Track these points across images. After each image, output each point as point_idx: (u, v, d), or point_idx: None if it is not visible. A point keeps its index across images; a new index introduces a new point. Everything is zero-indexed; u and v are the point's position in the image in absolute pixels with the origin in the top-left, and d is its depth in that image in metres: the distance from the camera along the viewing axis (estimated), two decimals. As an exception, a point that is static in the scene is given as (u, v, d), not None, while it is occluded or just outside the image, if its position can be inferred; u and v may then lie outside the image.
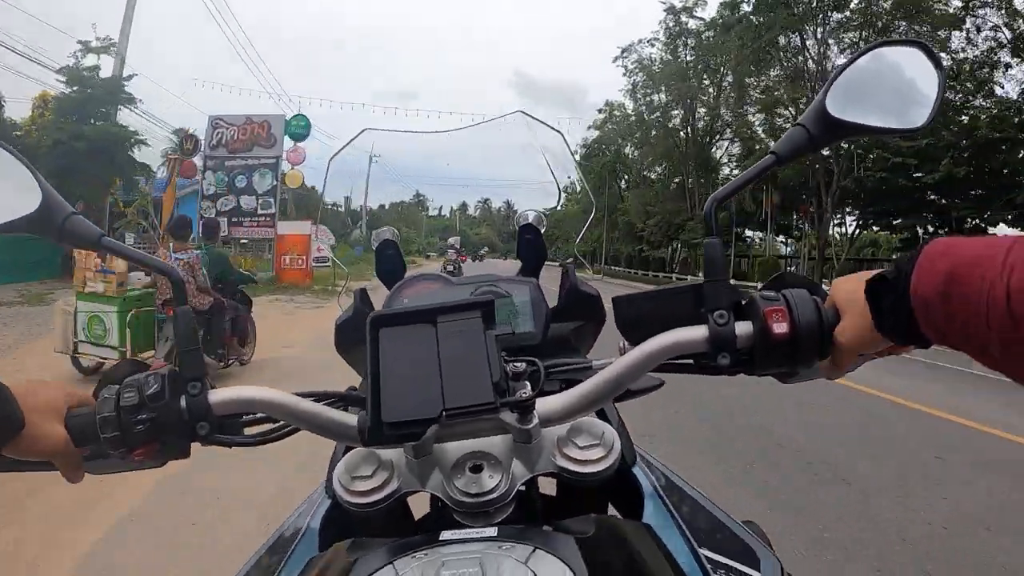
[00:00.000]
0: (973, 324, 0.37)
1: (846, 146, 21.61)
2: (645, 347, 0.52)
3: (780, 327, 0.49)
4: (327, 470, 0.64)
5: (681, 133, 34.84)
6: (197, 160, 17.49)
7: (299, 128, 18.27)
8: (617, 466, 0.54)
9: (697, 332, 0.52)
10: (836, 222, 26.35)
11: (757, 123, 30.40)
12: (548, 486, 0.61)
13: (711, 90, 32.77)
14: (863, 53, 0.56)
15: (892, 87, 0.56)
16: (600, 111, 45.87)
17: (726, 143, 34.22)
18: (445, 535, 0.46)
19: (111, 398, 0.50)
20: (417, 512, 0.66)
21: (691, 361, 0.54)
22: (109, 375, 0.55)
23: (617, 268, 44.04)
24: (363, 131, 0.86)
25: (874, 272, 0.46)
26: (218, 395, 0.52)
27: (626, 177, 45.69)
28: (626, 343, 0.56)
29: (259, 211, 17.40)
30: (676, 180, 35.91)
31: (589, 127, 47.00)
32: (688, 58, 33.16)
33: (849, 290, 0.48)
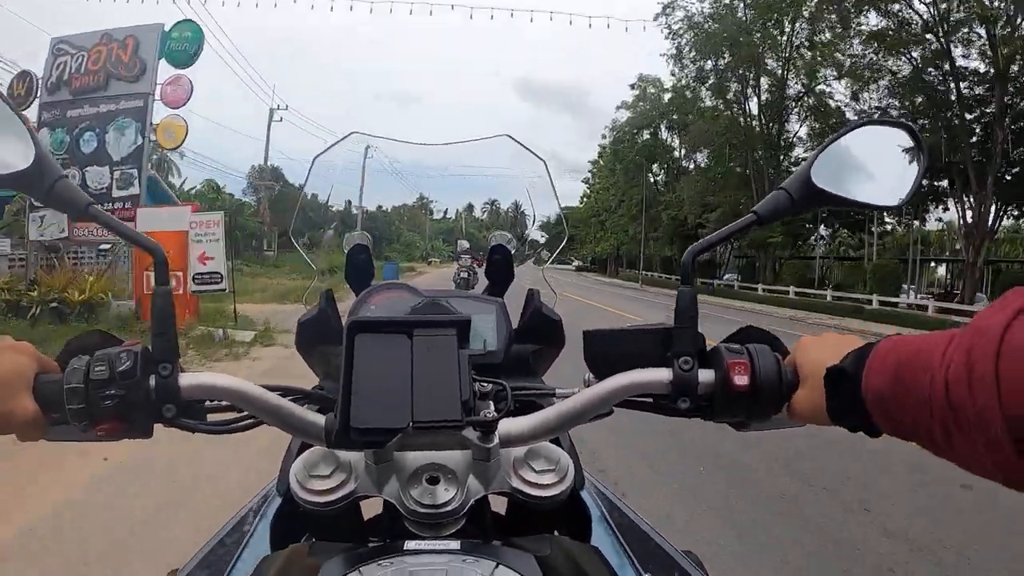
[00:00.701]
0: (919, 415, 0.40)
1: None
2: (610, 383, 0.55)
3: (741, 379, 0.51)
4: (280, 467, 0.64)
5: (743, 107, 28.50)
6: (33, 111, 9.79)
7: (184, 44, 9.71)
8: (568, 491, 0.56)
9: (661, 374, 0.54)
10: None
11: (839, 91, 24.15)
12: (498, 503, 0.62)
13: (778, 52, 25.86)
14: (852, 128, 0.59)
15: (875, 164, 0.59)
16: (632, 87, 39.41)
17: (795, 118, 27.56)
18: (409, 545, 0.48)
19: (81, 368, 0.50)
20: (367, 514, 0.67)
21: (651, 400, 0.56)
22: (76, 343, 0.54)
23: (656, 274, 38.05)
24: (351, 133, 0.86)
25: (838, 347, 0.49)
26: (188, 379, 0.52)
27: (665, 165, 39.79)
28: (591, 376, 0.58)
29: (115, 191, 9.48)
30: (734, 165, 29.73)
31: (618, 107, 41.28)
32: (748, 15, 26.02)
33: (812, 360, 0.51)
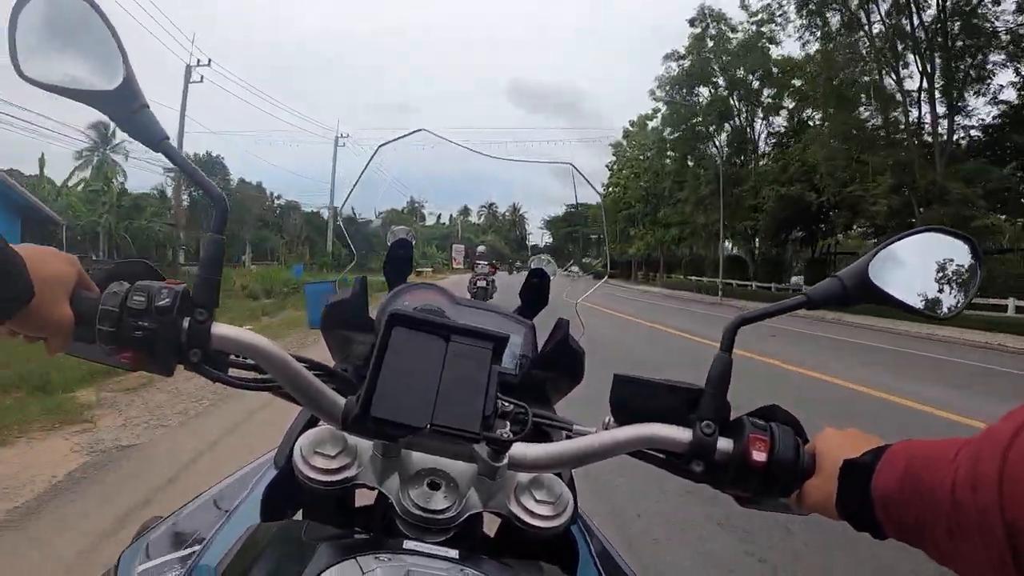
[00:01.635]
0: (924, 517, 0.40)
1: None
2: (629, 431, 0.55)
3: (760, 455, 0.51)
4: (281, 439, 0.64)
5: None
6: None
7: None
8: (564, 527, 0.56)
9: (682, 434, 0.54)
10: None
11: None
12: (489, 521, 0.62)
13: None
14: (915, 232, 0.60)
15: (931, 270, 0.59)
16: (692, 22, 29.02)
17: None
18: (408, 544, 0.48)
19: (120, 293, 0.50)
20: (359, 503, 0.67)
21: (663, 456, 0.56)
22: (119, 269, 0.54)
23: (705, 280, 30.95)
24: (418, 130, 0.86)
25: (861, 444, 0.49)
26: (221, 329, 0.52)
27: (734, 130, 30.18)
28: (611, 419, 0.58)
29: None
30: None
31: (666, 56, 30.75)
32: None
33: (831, 451, 0.51)
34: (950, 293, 0.59)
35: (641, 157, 42.91)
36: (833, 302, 0.58)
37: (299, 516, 0.64)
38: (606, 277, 1.14)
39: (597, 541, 0.68)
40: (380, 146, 0.87)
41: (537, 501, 0.56)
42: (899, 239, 0.59)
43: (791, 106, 29.02)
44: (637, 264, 48.80)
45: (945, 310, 0.59)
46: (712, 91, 30.43)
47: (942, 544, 0.39)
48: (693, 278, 35.25)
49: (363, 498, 0.62)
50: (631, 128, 45.84)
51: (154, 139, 0.55)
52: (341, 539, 0.46)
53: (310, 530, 0.47)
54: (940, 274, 0.60)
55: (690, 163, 33.57)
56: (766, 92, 29.66)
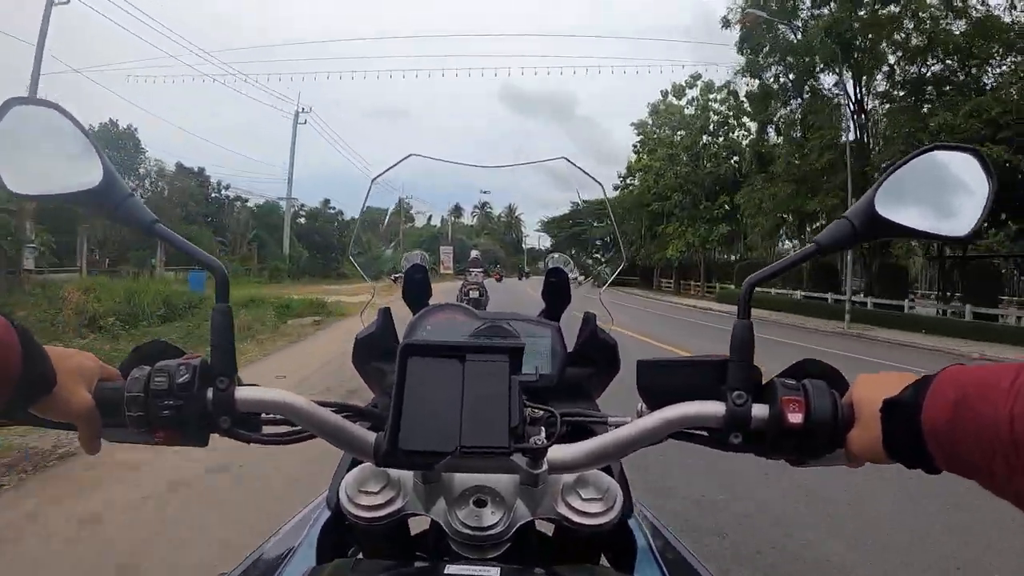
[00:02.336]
0: (980, 450, 0.38)
1: None
2: (663, 413, 0.54)
3: (795, 417, 0.50)
4: (331, 481, 0.65)
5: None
6: None
7: None
8: (616, 520, 0.56)
9: (715, 408, 0.53)
10: None
11: None
12: (545, 525, 0.62)
13: None
14: (917, 155, 0.57)
15: (941, 191, 0.57)
16: None
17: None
18: (450, 569, 0.48)
19: (141, 378, 0.52)
20: (415, 530, 0.68)
21: (704, 433, 0.55)
22: (139, 353, 0.56)
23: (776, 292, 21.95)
24: (409, 155, 0.87)
25: (899, 382, 0.47)
26: (244, 393, 0.54)
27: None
28: (644, 406, 0.58)
29: None
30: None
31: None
32: None
33: (868, 397, 0.49)
34: (963, 211, 0.56)
35: (676, 137, 33.91)
36: (845, 244, 0.56)
37: (360, 554, 0.65)
38: (608, 282, 1.11)
39: (655, 531, 0.68)
40: (374, 179, 0.88)
41: (584, 500, 0.56)
42: (901, 165, 0.57)
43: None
44: (660, 270, 38.82)
45: (962, 229, 0.56)
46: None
47: (1000, 477, 0.38)
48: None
49: (421, 524, 0.63)
50: (661, 103, 35.77)
51: (145, 224, 0.56)
52: (386, 572, 0.47)
53: (358, 567, 0.48)
54: (950, 193, 0.57)
55: (772, 131, 23.75)
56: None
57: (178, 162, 29.71)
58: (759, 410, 0.52)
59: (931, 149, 0.58)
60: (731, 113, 31.41)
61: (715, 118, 32.37)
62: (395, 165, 0.86)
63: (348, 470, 0.60)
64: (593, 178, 0.85)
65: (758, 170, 23.35)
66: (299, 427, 0.56)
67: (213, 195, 31.00)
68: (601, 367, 0.78)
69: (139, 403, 0.51)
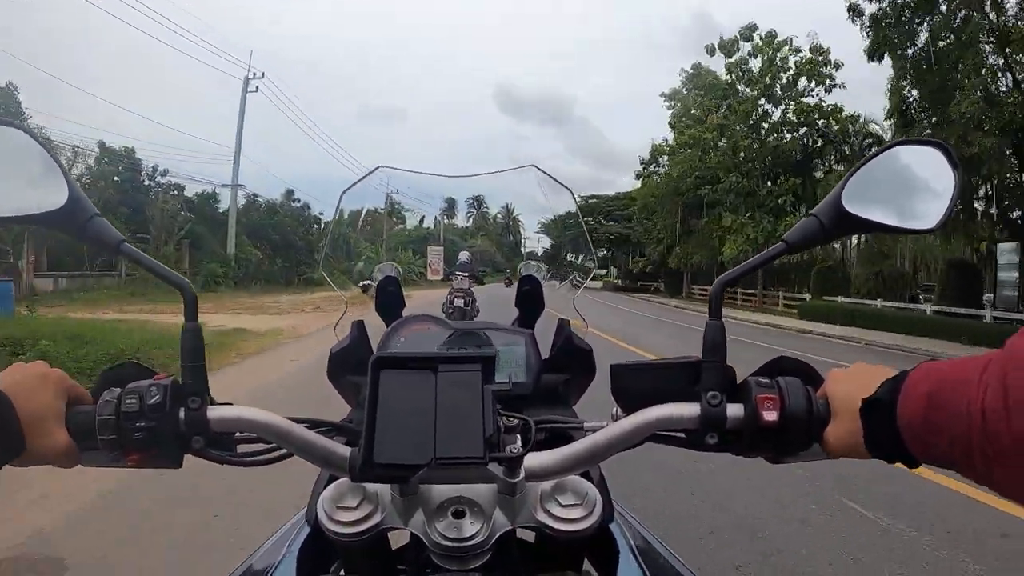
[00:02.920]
0: (956, 443, 0.39)
1: None
2: (638, 417, 0.54)
3: (770, 415, 0.50)
4: (309, 497, 0.65)
5: None
6: None
7: None
8: (597, 525, 0.56)
9: (690, 409, 0.53)
10: None
11: None
12: (527, 533, 0.62)
13: None
14: (882, 151, 0.58)
15: (907, 186, 0.58)
16: None
17: None
18: None
19: (112, 401, 0.51)
20: (395, 543, 0.67)
21: (681, 435, 0.55)
22: (110, 375, 0.55)
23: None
24: (377, 167, 0.87)
25: (872, 377, 0.47)
26: (216, 412, 0.54)
27: None
28: (619, 410, 0.58)
29: None
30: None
31: None
32: None
33: (844, 393, 0.49)
34: (931, 204, 0.57)
35: (724, 107, 25.68)
36: (814, 242, 0.56)
37: (342, 570, 0.65)
38: (592, 272, 1.11)
39: (638, 535, 0.68)
40: (343, 192, 0.88)
41: (563, 506, 0.56)
42: (868, 160, 0.57)
43: None
44: (676, 275, 32.84)
45: (930, 222, 0.57)
46: None
47: (978, 468, 0.39)
48: (841, 299, 19.52)
49: (401, 538, 0.62)
50: (703, 67, 28.66)
51: (112, 244, 0.56)
52: None
53: None
54: (916, 187, 0.57)
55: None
56: None
57: (101, 141, 23.27)
58: (734, 409, 0.52)
59: (896, 144, 0.58)
60: (808, 68, 23.48)
61: (784, 77, 24.13)
62: (363, 178, 0.86)
63: (325, 486, 0.59)
64: (563, 185, 0.85)
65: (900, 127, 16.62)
66: (274, 444, 0.56)
67: (146, 182, 24.24)
68: (577, 373, 0.78)
69: (111, 426, 0.50)
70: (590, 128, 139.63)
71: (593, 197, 43.89)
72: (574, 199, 0.89)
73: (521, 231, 72.42)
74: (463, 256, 7.87)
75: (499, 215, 71.55)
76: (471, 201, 65.33)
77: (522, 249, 68.24)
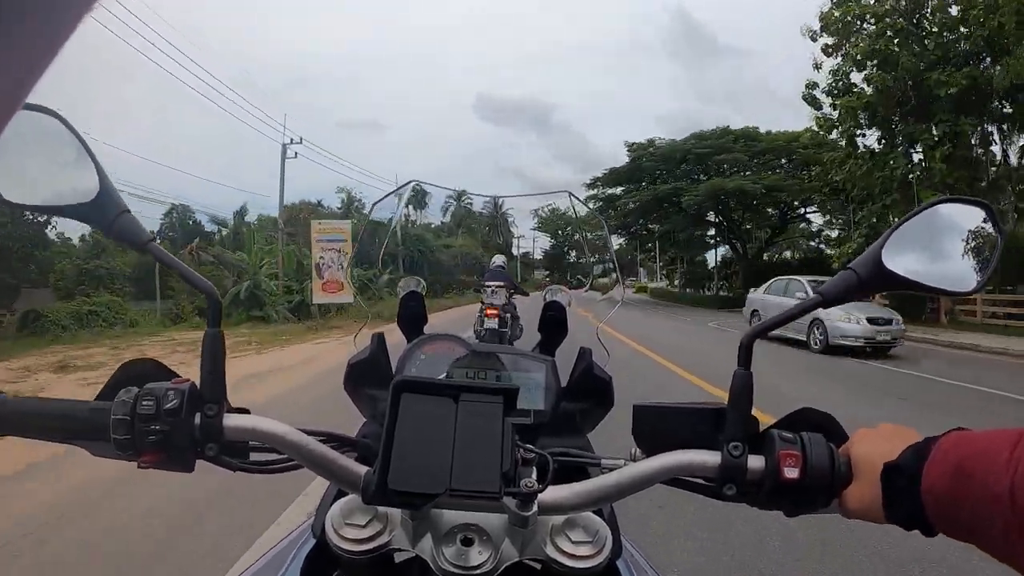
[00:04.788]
0: (980, 518, 0.39)
1: None
2: (658, 460, 0.54)
3: (791, 472, 0.50)
4: (316, 509, 0.64)
5: None
6: None
7: None
8: (605, 563, 0.55)
9: (710, 458, 0.53)
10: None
11: None
12: (532, 563, 0.61)
13: None
14: (926, 208, 0.56)
15: (948, 245, 0.56)
16: None
17: None
18: None
19: (128, 401, 0.51)
20: (398, 559, 0.67)
21: (699, 481, 0.55)
22: (127, 369, 0.55)
23: None
24: (410, 182, 0.86)
25: (898, 441, 0.47)
26: (232, 420, 0.53)
27: None
28: (638, 450, 0.57)
29: None
30: None
31: None
32: None
33: (867, 455, 0.49)
34: (970, 265, 0.56)
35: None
36: (851, 296, 0.56)
37: None
38: (618, 305, 1.09)
39: (643, 572, 0.67)
40: (373, 204, 0.87)
41: (573, 542, 0.55)
42: (910, 217, 0.56)
43: None
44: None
45: (968, 284, 0.56)
46: None
47: (1000, 543, 0.38)
48: None
49: (406, 556, 0.62)
50: None
51: (140, 242, 0.55)
52: None
53: None
54: (957, 247, 0.56)
55: None
56: None
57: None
58: (755, 462, 0.52)
59: (942, 201, 0.57)
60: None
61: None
62: (396, 191, 0.85)
63: (334, 499, 0.59)
64: (595, 212, 0.84)
65: None
66: (287, 456, 0.55)
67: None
68: (594, 403, 0.78)
69: (125, 426, 0.50)
70: (572, 133, 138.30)
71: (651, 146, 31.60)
72: (605, 227, 0.88)
73: (513, 229, 60.83)
74: (497, 261, 6.34)
75: (483, 210, 57.18)
76: (452, 192, 52.38)
77: (514, 251, 57.70)
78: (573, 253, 60.75)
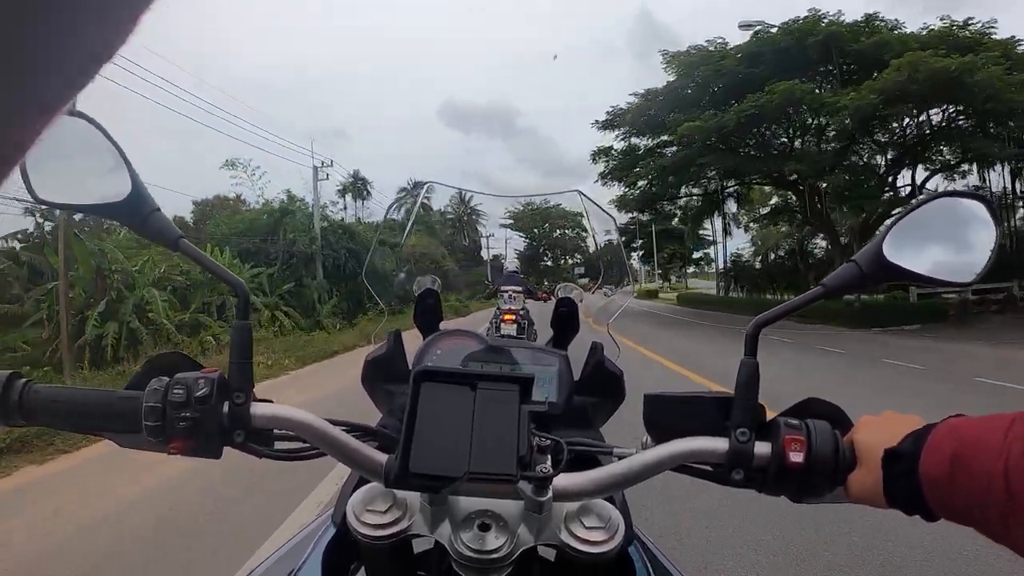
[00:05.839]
0: (976, 501, 0.40)
1: None
2: (668, 448, 0.55)
3: (796, 456, 0.52)
4: (337, 498, 0.67)
5: None
6: None
7: None
8: (617, 549, 0.57)
9: (718, 444, 0.54)
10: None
11: None
12: (547, 550, 0.63)
13: None
14: (926, 201, 0.58)
15: (948, 238, 0.58)
16: None
17: None
18: None
19: (160, 390, 0.53)
20: (417, 548, 0.69)
21: (707, 468, 0.56)
22: (155, 362, 0.58)
23: None
24: (427, 184, 0.89)
25: (900, 428, 0.48)
26: (259, 409, 0.56)
27: None
28: (649, 438, 0.59)
29: None
30: None
31: None
32: None
33: (869, 441, 0.50)
34: (969, 257, 0.58)
35: None
36: (853, 288, 0.58)
37: (363, 571, 0.66)
38: (626, 303, 1.10)
39: (656, 561, 0.69)
40: (389, 207, 0.85)
41: (587, 528, 0.57)
42: (910, 211, 0.58)
43: None
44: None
45: (967, 276, 0.58)
46: None
47: (996, 526, 0.40)
48: None
49: (425, 543, 0.64)
50: None
51: (170, 239, 0.58)
52: None
53: None
54: (956, 239, 0.58)
55: None
56: None
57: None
58: (761, 448, 0.54)
59: (940, 196, 0.59)
60: None
61: None
62: (417, 196, 0.87)
63: (355, 488, 0.61)
64: (606, 212, 0.86)
65: None
66: (310, 444, 0.58)
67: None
68: (606, 397, 0.80)
69: (156, 413, 0.53)
70: (539, 137, 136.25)
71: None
72: (616, 227, 0.90)
73: (480, 228, 50.36)
74: (510, 266, 6.61)
75: (447, 207, 47.82)
76: (409, 183, 40.32)
77: (484, 253, 48.64)
78: (551, 253, 54.73)
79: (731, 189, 24.96)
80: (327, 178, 18.75)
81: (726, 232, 30.93)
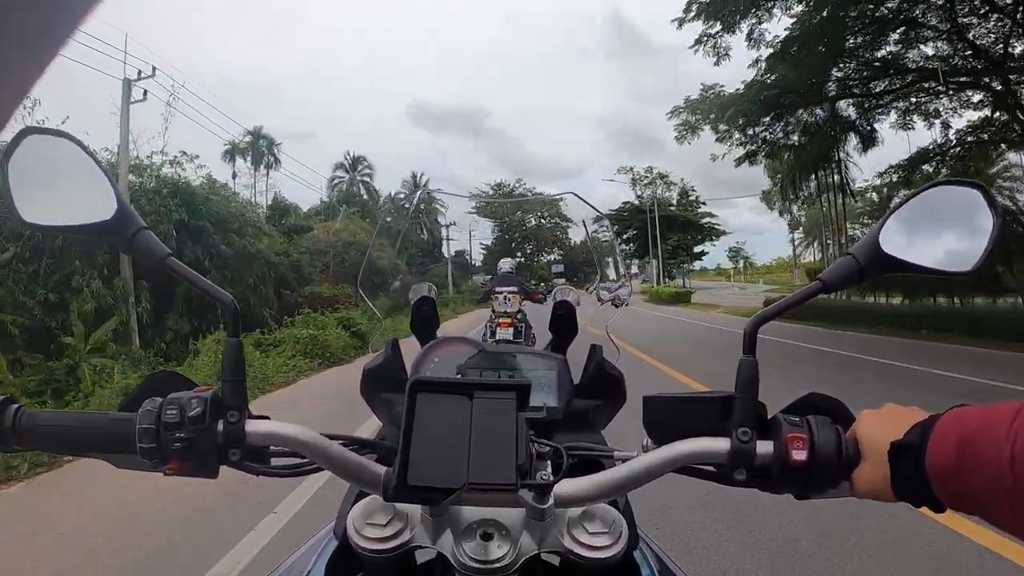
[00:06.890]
0: (983, 490, 0.40)
1: None
2: (669, 449, 0.55)
3: (799, 454, 0.51)
4: (338, 511, 0.66)
5: None
6: None
7: None
8: (622, 553, 0.56)
9: (720, 444, 0.54)
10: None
11: None
12: (552, 557, 0.62)
13: None
14: (921, 191, 0.58)
15: (946, 227, 0.58)
16: None
17: None
18: None
19: (153, 410, 0.53)
20: (420, 559, 0.68)
21: (710, 468, 0.56)
22: (149, 382, 0.57)
23: None
24: (423, 190, 0.86)
25: (903, 421, 0.48)
26: (254, 426, 0.55)
27: None
28: (650, 441, 0.58)
29: None
30: None
31: None
32: None
33: (873, 435, 0.50)
34: (968, 245, 0.57)
35: None
36: (851, 282, 0.57)
37: None
38: (626, 303, 1.08)
39: (662, 564, 0.68)
40: (388, 207, 0.87)
41: (590, 533, 0.57)
42: (906, 201, 0.57)
43: None
44: None
45: (966, 265, 0.57)
46: None
47: (1005, 516, 0.39)
48: None
49: (427, 554, 0.63)
50: None
51: (158, 257, 0.57)
52: None
53: None
54: (954, 228, 0.58)
55: None
56: None
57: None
58: (763, 447, 0.53)
59: (935, 184, 0.58)
60: None
61: None
62: (415, 199, 0.87)
63: (355, 501, 0.60)
64: (599, 211, 0.85)
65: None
66: (308, 459, 0.57)
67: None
68: (607, 399, 0.79)
69: (151, 435, 0.52)
70: (508, 138, 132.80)
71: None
72: (611, 225, 0.89)
73: (441, 218, 39.49)
74: (504, 266, 5.75)
75: (401, 193, 38.00)
76: (347, 158, 35.18)
77: (445, 250, 39.15)
78: (527, 247, 46.07)
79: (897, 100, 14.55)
80: (146, 97, 10.44)
81: (844, 187, 18.78)
